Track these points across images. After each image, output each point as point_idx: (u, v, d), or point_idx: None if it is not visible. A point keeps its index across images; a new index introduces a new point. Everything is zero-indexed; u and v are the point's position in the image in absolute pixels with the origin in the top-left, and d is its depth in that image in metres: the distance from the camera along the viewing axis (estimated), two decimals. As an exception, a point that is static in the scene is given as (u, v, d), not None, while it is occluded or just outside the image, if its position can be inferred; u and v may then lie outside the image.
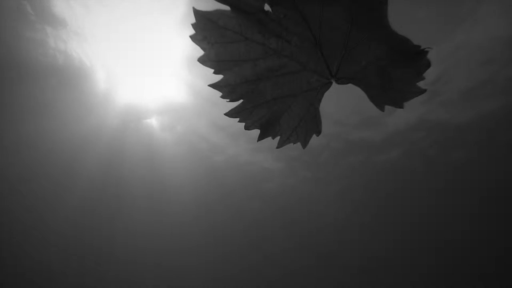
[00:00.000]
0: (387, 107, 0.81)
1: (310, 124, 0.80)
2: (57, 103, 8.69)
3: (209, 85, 0.71)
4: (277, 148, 0.80)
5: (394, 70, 0.74)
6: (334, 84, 0.78)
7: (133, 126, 9.67)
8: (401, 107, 0.77)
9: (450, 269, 17.44)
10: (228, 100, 0.73)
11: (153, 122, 9.74)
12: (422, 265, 17.24)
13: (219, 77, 0.74)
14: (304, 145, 0.81)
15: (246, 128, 0.79)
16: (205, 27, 0.66)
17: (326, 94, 0.79)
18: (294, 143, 0.81)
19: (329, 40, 0.72)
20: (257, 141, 0.79)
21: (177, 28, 7.52)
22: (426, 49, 0.70)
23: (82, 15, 6.95)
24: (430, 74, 8.45)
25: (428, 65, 0.72)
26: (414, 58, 0.71)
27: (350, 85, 0.80)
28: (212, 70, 0.70)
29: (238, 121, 0.78)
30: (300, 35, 0.71)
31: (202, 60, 0.69)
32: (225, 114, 0.76)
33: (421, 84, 0.75)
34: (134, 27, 7.59)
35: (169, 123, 9.69)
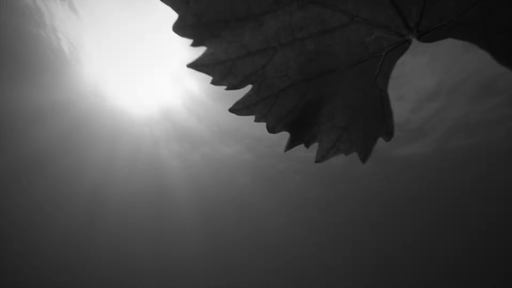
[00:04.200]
0: None
1: (372, 120, 0.45)
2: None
3: (188, 65, 0.45)
4: (316, 162, 0.48)
5: None
6: (414, 42, 0.43)
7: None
8: None
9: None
10: (225, 87, 0.46)
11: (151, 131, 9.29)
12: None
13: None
14: (364, 157, 0.46)
15: (270, 130, 0.50)
16: (172, -28, 0.41)
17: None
18: (346, 154, 0.47)
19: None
20: (285, 150, 0.50)
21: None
22: None
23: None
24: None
25: None
26: None
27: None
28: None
29: (255, 120, 0.50)
30: None
31: (177, 27, 0.44)
32: (230, 110, 0.49)
33: None
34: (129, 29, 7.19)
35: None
